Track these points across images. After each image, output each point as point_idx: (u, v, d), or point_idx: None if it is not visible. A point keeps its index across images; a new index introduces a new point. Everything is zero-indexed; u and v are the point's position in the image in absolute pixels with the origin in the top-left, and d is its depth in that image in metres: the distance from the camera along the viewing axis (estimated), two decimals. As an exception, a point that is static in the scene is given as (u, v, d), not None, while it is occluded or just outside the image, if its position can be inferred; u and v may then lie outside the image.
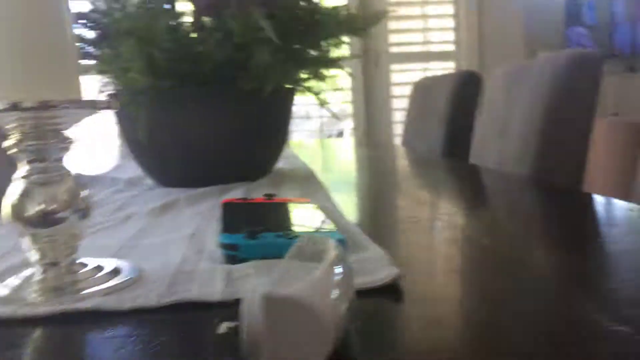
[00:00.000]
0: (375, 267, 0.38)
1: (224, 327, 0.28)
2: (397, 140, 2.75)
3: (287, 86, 0.87)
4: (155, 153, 0.82)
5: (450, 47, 3.03)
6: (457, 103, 1.38)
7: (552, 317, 0.31)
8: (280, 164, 1.04)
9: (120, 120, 0.85)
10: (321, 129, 2.99)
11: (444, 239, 0.50)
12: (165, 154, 0.81)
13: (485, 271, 0.40)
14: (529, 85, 0.97)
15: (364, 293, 0.35)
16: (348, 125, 3.19)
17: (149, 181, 0.88)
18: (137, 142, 0.81)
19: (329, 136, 3.46)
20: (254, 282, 0.26)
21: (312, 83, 0.99)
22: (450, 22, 3.00)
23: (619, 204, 0.62)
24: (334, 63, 0.96)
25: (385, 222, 0.60)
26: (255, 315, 0.25)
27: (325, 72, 0.97)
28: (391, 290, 0.36)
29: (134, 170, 1.00)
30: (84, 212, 0.39)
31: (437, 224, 0.56)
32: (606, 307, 0.32)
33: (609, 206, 0.63)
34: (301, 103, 0.96)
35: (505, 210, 0.67)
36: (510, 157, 0.99)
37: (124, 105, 0.78)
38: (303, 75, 0.92)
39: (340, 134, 3.71)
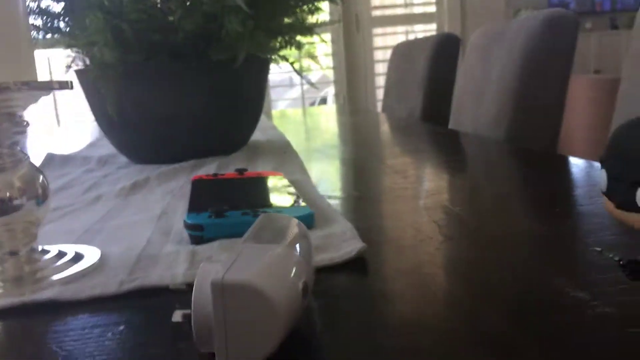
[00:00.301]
0: (342, 240, 0.38)
1: (178, 314, 0.27)
2: (380, 106, 2.74)
3: (261, 56, 0.85)
4: (127, 129, 0.80)
5: (432, 9, 2.99)
6: (435, 67, 1.36)
7: (514, 283, 0.31)
8: (257, 136, 1.03)
9: (89, 97, 0.83)
10: (303, 96, 2.95)
11: (416, 207, 0.50)
12: (137, 130, 0.80)
13: (453, 239, 0.40)
14: (505, 47, 0.96)
15: (329, 268, 0.35)
16: (331, 91, 3.15)
17: (121, 159, 0.87)
18: (107, 118, 0.79)
19: (312, 104, 3.43)
20: (204, 267, 0.25)
21: (288, 51, 0.97)
22: (431, -17, 2.96)
23: (593, 165, 0.62)
24: (309, 30, 0.93)
25: (360, 193, 0.59)
26: (206, 302, 0.24)
27: (301, 39, 0.95)
28: (358, 265, 0.35)
29: (106, 148, 0.98)
30: (42, 198, 0.38)
31: (410, 192, 0.55)
32: (568, 272, 0.32)
33: (582, 167, 0.63)
34: (282, 71, 0.94)
35: (479, 175, 0.67)
36: (487, 120, 0.98)
37: (93, 80, 0.76)
38: (277, 44, 0.90)
39: (323, 101, 3.68)
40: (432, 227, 0.43)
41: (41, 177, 0.38)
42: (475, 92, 1.06)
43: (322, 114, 1.87)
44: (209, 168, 0.74)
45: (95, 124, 2.17)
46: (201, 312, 0.24)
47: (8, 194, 0.37)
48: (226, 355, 0.24)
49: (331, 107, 2.50)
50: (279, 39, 0.89)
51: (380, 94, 2.94)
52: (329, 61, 2.98)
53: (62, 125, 2.80)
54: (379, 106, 2.78)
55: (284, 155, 0.83)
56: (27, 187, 0.37)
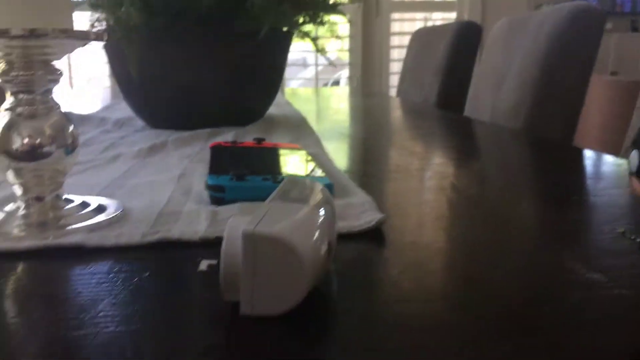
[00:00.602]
0: (361, 211, 0.38)
1: (204, 264, 0.28)
2: (393, 92, 2.73)
3: (284, 30, 0.85)
4: (146, 92, 0.80)
5: (453, -3, 2.97)
6: (455, 54, 1.36)
7: (530, 265, 0.32)
8: (272, 110, 1.03)
9: (111, 58, 0.83)
10: (317, 77, 2.94)
11: (430, 187, 0.50)
12: (156, 94, 0.80)
13: (468, 220, 0.40)
14: (528, 37, 0.96)
15: (347, 236, 0.36)
16: (344, 74, 3.14)
17: (138, 122, 0.87)
18: (127, 80, 0.79)
19: (325, 84, 3.42)
20: (235, 220, 0.26)
21: (310, 28, 0.97)
22: (454, -29, 2.93)
23: (607, 159, 0.62)
24: (334, 8, 0.93)
25: (373, 171, 0.60)
26: (235, 253, 0.25)
27: (325, 17, 0.94)
28: (374, 235, 0.36)
29: (122, 111, 0.98)
30: (70, 148, 0.39)
31: (425, 173, 0.56)
32: (583, 256, 0.32)
33: (597, 160, 0.63)
34: (298, 50, 0.94)
35: (494, 161, 0.67)
36: (505, 110, 0.98)
37: (117, 41, 0.77)
38: (301, 19, 0.89)
39: (336, 83, 3.67)
40: (445, 207, 0.44)
41: (71, 127, 0.39)
42: (494, 81, 1.06)
43: (335, 95, 1.86)
44: (225, 137, 0.74)
45: (107, 89, 2.17)
46: (230, 261, 0.25)
47: (39, 141, 0.37)
48: (251, 304, 0.24)
49: (344, 89, 2.49)
50: (303, 14, 0.89)
51: (393, 79, 2.93)
52: (344, 43, 2.96)
53: (75, 87, 2.81)
54: (392, 92, 2.78)
55: (299, 129, 0.83)
56: (57, 135, 0.38)
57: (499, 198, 0.47)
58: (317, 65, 2.94)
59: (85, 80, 3.09)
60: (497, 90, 1.03)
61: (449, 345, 0.23)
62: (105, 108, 1.13)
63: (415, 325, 0.25)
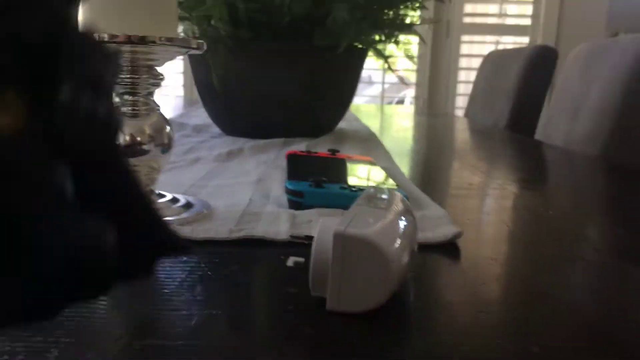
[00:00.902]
0: (436, 224, 0.39)
1: (291, 261, 0.30)
2: (459, 113, 2.70)
3: (360, 47, 0.88)
4: (225, 101, 0.84)
5: (527, 22, 2.91)
6: (529, 77, 1.34)
7: (603, 289, 0.32)
8: (341, 124, 1.05)
9: (194, 67, 0.88)
10: (382, 95, 2.96)
11: (501, 206, 0.50)
12: (234, 103, 0.84)
13: (540, 239, 0.40)
14: (609, 64, 0.93)
15: (422, 247, 0.36)
16: (410, 93, 3.14)
17: (214, 129, 0.92)
18: (208, 88, 0.83)
19: (389, 103, 3.42)
20: (326, 221, 0.28)
21: (383, 46, 0.98)
22: (530, -5, 2.88)
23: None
24: (409, 28, 0.94)
25: (443, 187, 0.60)
26: (325, 251, 0.26)
27: (400, 36, 0.96)
28: (450, 248, 0.37)
29: (198, 118, 1.03)
30: (166, 147, 0.42)
31: (495, 191, 0.56)
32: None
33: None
34: (365, 67, 0.96)
35: (566, 183, 0.66)
36: (580, 136, 0.96)
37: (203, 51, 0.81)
38: (377, 37, 0.91)
39: (401, 102, 3.67)
40: (518, 225, 0.44)
41: (168, 128, 0.42)
42: (570, 107, 1.04)
43: (401, 113, 1.87)
44: (298, 147, 0.77)
45: (179, 98, 2.26)
46: (320, 258, 0.26)
47: (139, 139, 0.41)
48: (338, 300, 0.26)
49: (409, 108, 2.49)
50: (380, 32, 0.91)
51: (459, 101, 2.90)
52: (412, 63, 2.97)
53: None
54: (457, 113, 2.75)
55: (368, 143, 0.85)
56: (155, 135, 0.41)
57: (571, 218, 0.47)
58: (383, 83, 2.95)
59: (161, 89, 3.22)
60: (573, 116, 1.01)
61: (529, 353, 0.23)
62: (181, 115, 1.19)
63: (493, 333, 0.25)
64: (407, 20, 0.96)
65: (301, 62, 0.82)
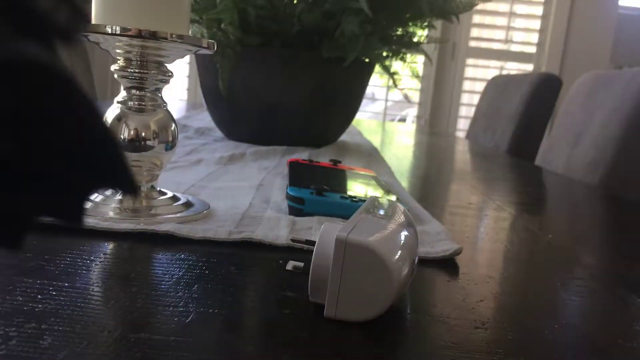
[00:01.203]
0: (436, 240, 0.39)
1: (290, 265, 0.30)
2: (460, 134, 2.71)
3: (367, 61, 0.88)
4: (230, 105, 0.84)
5: (532, 49, 2.94)
6: (532, 103, 1.34)
7: (598, 311, 0.31)
8: (344, 137, 1.05)
9: (201, 70, 0.88)
10: (385, 112, 2.97)
11: (500, 226, 0.50)
12: (239, 108, 0.84)
13: (537, 261, 0.40)
14: (613, 93, 0.94)
15: (421, 262, 0.36)
16: (412, 112, 3.15)
17: (216, 133, 0.92)
18: (214, 92, 0.83)
19: (392, 120, 3.43)
20: (328, 226, 0.27)
21: (389, 62, 0.99)
22: (537, 24, 2.90)
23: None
24: (417, 46, 0.95)
25: (442, 205, 0.60)
26: (326, 256, 0.26)
27: (406, 53, 0.97)
28: (446, 264, 0.37)
29: (201, 122, 1.03)
30: (170, 145, 0.42)
31: (494, 212, 0.56)
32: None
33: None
34: (369, 84, 0.96)
35: (567, 210, 0.66)
36: (581, 164, 0.96)
37: (210, 55, 0.81)
38: (384, 53, 0.92)
39: (402, 120, 3.68)
40: (517, 245, 0.44)
41: (173, 125, 0.42)
42: (572, 134, 1.04)
43: (403, 131, 1.87)
44: (300, 155, 0.77)
45: (183, 102, 2.26)
46: (320, 264, 0.26)
47: (143, 134, 0.40)
48: (336, 307, 0.26)
49: (411, 126, 2.50)
50: (387, 48, 0.91)
51: (461, 122, 2.91)
52: (414, 82, 2.99)
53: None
54: (458, 134, 2.76)
55: (370, 157, 0.85)
56: (160, 132, 0.41)
57: (568, 242, 0.47)
58: (386, 100, 2.97)
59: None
60: (574, 144, 1.02)
61: (526, 374, 0.23)
62: (185, 117, 1.19)
63: (489, 348, 0.25)
64: (415, 39, 0.96)
65: (308, 72, 0.82)
